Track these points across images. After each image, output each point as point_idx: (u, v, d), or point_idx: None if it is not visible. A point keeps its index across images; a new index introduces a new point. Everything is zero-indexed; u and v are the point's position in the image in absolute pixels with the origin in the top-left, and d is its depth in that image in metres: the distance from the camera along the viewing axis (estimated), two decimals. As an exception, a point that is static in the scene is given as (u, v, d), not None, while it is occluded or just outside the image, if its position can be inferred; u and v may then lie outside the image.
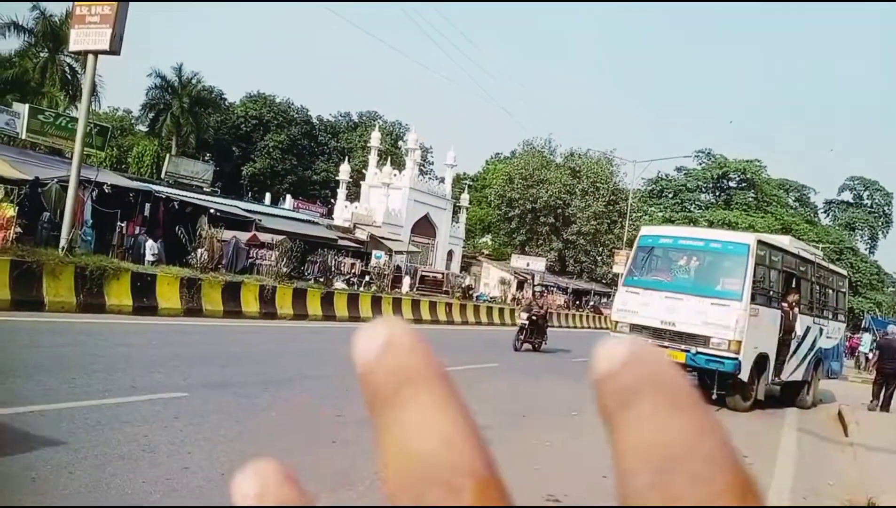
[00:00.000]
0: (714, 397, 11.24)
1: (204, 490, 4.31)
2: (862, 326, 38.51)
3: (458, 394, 0.26)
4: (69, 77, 38.85)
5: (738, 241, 11.75)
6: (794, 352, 13.02)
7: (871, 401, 14.37)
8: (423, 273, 36.42)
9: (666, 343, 11.28)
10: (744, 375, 11.05)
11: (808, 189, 67.48)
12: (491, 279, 48.01)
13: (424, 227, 45.17)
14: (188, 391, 6.99)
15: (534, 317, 17.25)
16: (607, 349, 0.25)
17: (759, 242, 11.76)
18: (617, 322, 12.16)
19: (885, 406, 14.20)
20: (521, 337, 17.15)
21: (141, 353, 9.32)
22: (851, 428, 11.04)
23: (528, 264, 51.39)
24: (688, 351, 11.06)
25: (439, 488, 0.24)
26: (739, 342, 10.77)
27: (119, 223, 21.33)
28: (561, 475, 5.99)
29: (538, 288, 26.26)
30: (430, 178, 51.95)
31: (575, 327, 37.16)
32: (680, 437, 0.23)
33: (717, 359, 10.87)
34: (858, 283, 57.68)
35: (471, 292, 36.64)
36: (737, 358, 10.75)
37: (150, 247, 19.94)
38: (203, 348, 10.78)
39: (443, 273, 39.00)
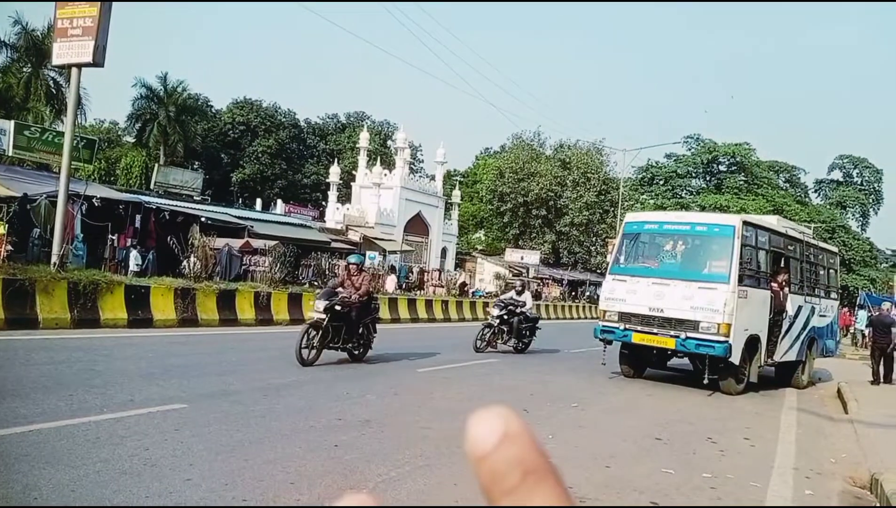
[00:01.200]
0: (706, 381, 11.18)
1: (207, 501, 4.29)
2: (857, 303, 38.65)
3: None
4: (54, 91, 38.66)
5: (724, 223, 11.72)
6: (787, 332, 12.97)
7: (873, 380, 14.56)
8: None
9: (655, 330, 11.28)
10: (735, 358, 10.97)
11: (799, 170, 67.61)
12: (486, 275, 48.02)
13: (417, 225, 45.14)
14: (187, 402, 6.96)
15: (511, 308, 14.74)
16: (478, 429, 0.27)
17: (745, 222, 11.70)
18: (605, 311, 12.07)
19: (888, 378, 14.53)
20: (487, 336, 14.62)
21: (138, 366, 9.27)
22: (851, 406, 11.08)
23: (522, 258, 51.41)
24: (677, 337, 11.00)
25: None
26: (729, 325, 10.70)
27: (110, 236, 21.25)
28: (564, 466, 5.98)
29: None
30: (420, 176, 51.91)
31: (572, 318, 37.23)
32: None
33: (708, 343, 10.80)
34: (852, 260, 57.88)
35: (466, 289, 36.62)
36: (727, 341, 10.69)
37: (134, 257, 19.89)
38: (200, 357, 10.74)
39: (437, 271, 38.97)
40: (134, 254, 20.13)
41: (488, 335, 14.51)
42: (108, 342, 11.14)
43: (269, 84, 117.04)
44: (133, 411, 6.39)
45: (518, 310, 14.84)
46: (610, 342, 12.16)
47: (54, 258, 13.69)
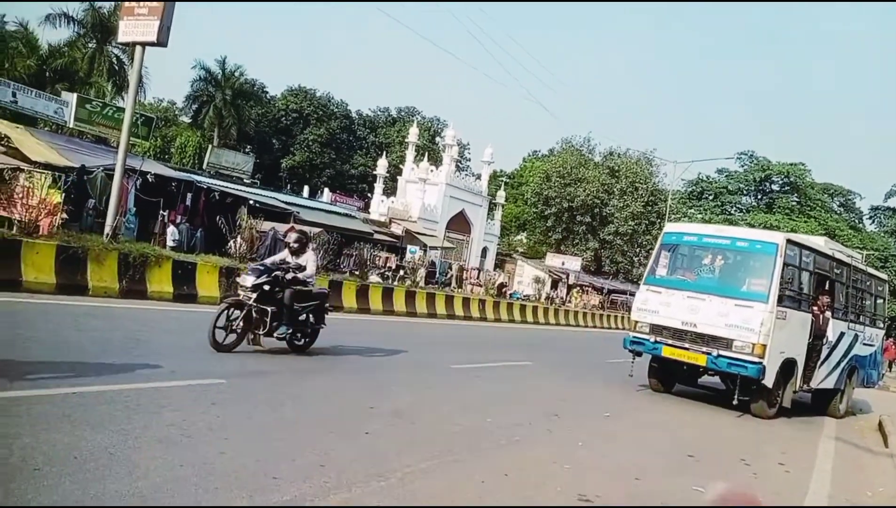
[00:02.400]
0: (735, 402, 10.79)
1: (240, 476, 4.37)
2: (906, 335, 37.37)
3: None
4: (116, 68, 39.74)
5: (767, 240, 11.21)
6: (826, 358, 12.48)
7: None
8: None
9: (686, 345, 10.94)
10: (768, 380, 10.54)
11: (854, 194, 65.65)
12: (525, 277, 47.82)
13: (460, 223, 45.19)
14: (225, 378, 7.10)
15: (280, 275, 9.15)
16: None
17: (789, 241, 11.21)
18: (637, 322, 11.77)
19: None
20: (237, 324, 8.87)
21: (180, 340, 9.49)
22: (892, 440, 10.72)
23: (563, 263, 51.09)
24: (709, 354, 10.64)
25: None
26: (764, 346, 10.31)
27: (161, 212, 21.77)
28: (593, 475, 5.93)
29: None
30: (466, 174, 52.01)
31: (609, 327, 36.83)
32: None
33: (740, 363, 10.41)
34: (904, 292, 55.93)
35: (504, 290, 36.52)
36: (761, 363, 10.30)
37: (171, 233, 20.29)
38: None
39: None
40: (171, 229, 20.54)
41: (238, 320, 8.87)
42: (154, 314, 11.42)
43: (323, 74, 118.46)
44: (173, 382, 6.55)
45: (290, 276, 9.31)
46: (639, 354, 11.83)
47: (107, 229, 14.10)
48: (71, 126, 25.51)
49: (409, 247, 34.44)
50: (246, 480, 4.34)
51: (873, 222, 68.15)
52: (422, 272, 27.68)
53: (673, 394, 12.37)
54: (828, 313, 12.34)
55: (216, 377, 7.06)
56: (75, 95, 26.36)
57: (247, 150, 52.95)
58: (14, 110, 24.33)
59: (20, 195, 12.72)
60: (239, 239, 17.83)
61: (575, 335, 27.33)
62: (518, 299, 34.62)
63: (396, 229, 38.34)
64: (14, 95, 23.92)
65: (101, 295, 11.82)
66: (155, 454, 4.52)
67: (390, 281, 24.90)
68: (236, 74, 52.25)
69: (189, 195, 23.70)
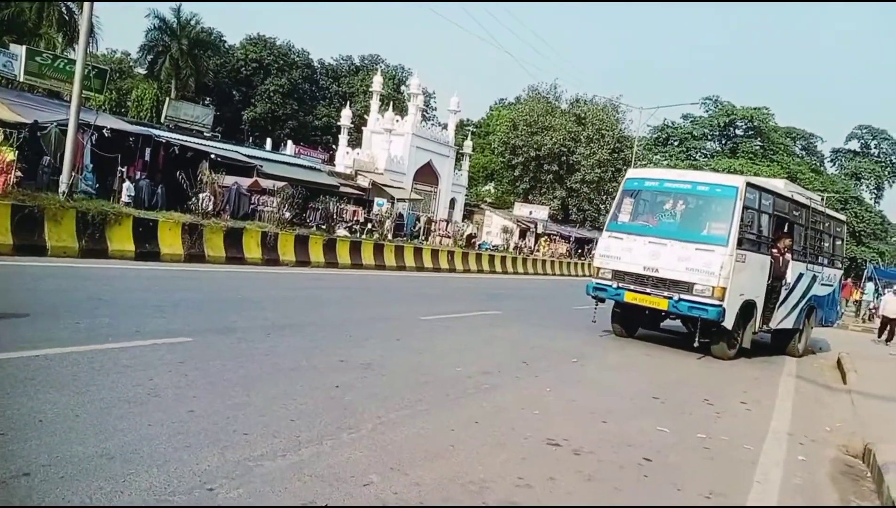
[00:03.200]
0: (696, 344, 11.05)
1: (209, 433, 4.36)
2: (865, 275, 38.52)
3: None
4: (66, 18, 38.08)
5: (726, 183, 11.30)
6: (785, 299, 12.76)
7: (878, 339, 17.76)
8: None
9: (648, 290, 11.08)
10: (728, 322, 10.76)
11: (816, 138, 66.77)
12: (493, 228, 47.97)
13: (427, 174, 44.88)
14: (192, 336, 7.03)
15: None
16: None
17: (749, 184, 11.31)
18: (599, 268, 11.87)
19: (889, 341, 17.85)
20: None
21: (144, 298, 9.36)
22: (850, 377, 11.12)
23: (530, 213, 51.28)
24: (670, 298, 10.81)
25: None
26: (724, 289, 10.48)
27: (119, 168, 21.19)
28: (561, 420, 6.05)
29: None
30: (433, 124, 51.49)
31: (577, 275, 37.30)
32: None
33: (701, 306, 10.58)
34: (862, 233, 57.59)
35: (473, 241, 36.62)
36: (720, 305, 10.48)
37: (127, 188, 19.82)
38: (206, 293, 10.83)
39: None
40: (127, 185, 20.03)
41: None
42: (115, 272, 11.22)
43: (283, 21, 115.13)
44: (138, 342, 6.46)
45: None
46: (602, 300, 11.99)
47: (63, 187, 13.72)
48: (21, 80, 24.48)
49: (376, 200, 34.17)
50: (216, 436, 4.33)
51: (834, 164, 69.58)
52: (388, 225, 27.54)
53: (636, 338, 12.61)
54: (788, 256, 12.58)
55: (182, 336, 6.99)
56: (24, 47, 25.18)
57: (206, 102, 51.62)
58: (-42, 65, 23.28)
59: (-30, 154, 12.26)
60: (203, 195, 17.50)
61: (543, 284, 27.62)
62: (487, 249, 34.79)
63: (363, 181, 37.95)
64: (-42, 47, 22.85)
65: (60, 255, 11.57)
66: (122, 414, 4.48)
67: (358, 235, 24.78)
68: (192, 22, 50.54)
69: (148, 150, 23.06)
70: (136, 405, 4.71)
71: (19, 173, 14.37)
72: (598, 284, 11.82)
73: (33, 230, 11.48)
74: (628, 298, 11.38)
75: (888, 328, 20.21)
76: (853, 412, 8.44)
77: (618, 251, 11.59)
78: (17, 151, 14.44)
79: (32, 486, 3.31)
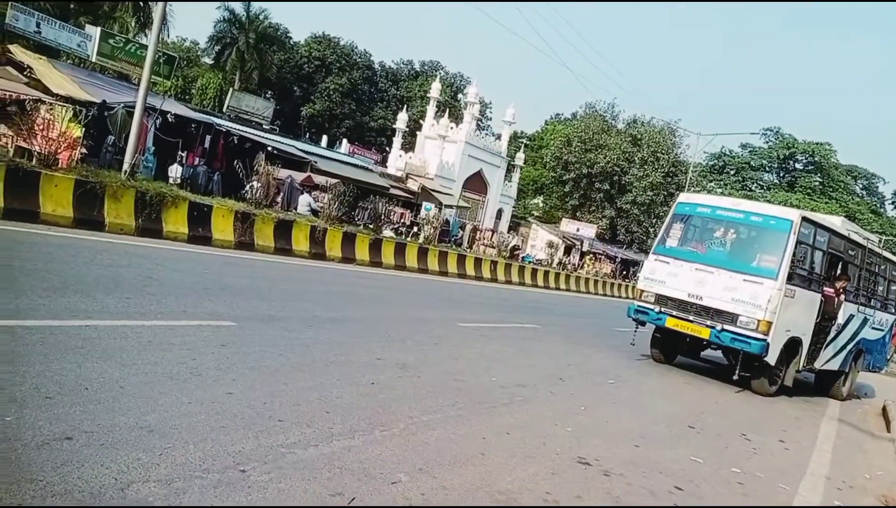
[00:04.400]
0: (736, 377, 10.75)
1: (246, 416, 4.44)
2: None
3: None
4: (140, 4, 39.29)
5: (781, 216, 10.99)
6: (833, 340, 12.40)
7: None
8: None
9: (691, 317, 10.86)
10: (771, 358, 10.47)
11: (878, 178, 64.74)
12: (538, 242, 47.72)
13: (476, 183, 44.94)
14: (236, 321, 7.17)
15: None
16: None
17: (805, 219, 11.02)
18: (642, 291, 11.66)
19: None
20: None
21: (193, 280, 9.59)
22: (895, 425, 10.73)
23: (578, 230, 50.89)
24: (713, 327, 10.57)
25: None
26: (769, 323, 10.20)
27: (180, 153, 21.76)
28: (593, 439, 5.98)
29: None
30: (486, 133, 51.46)
31: (620, 296, 36.82)
32: None
33: (744, 338, 10.32)
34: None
35: (517, 253, 36.48)
36: (765, 339, 10.21)
37: (173, 170, 20.24)
38: (253, 281, 11.03)
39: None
40: (174, 167, 20.47)
41: None
42: (168, 253, 11.51)
43: (348, 22, 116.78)
44: (184, 321, 6.63)
45: None
46: (643, 324, 11.77)
47: (125, 166, 14.14)
48: (93, 60, 25.37)
49: (424, 204, 34.35)
50: (252, 420, 4.41)
51: (895, 207, 67.27)
52: (431, 229, 27.52)
53: (674, 365, 12.40)
54: (842, 297, 12.23)
55: (227, 320, 7.14)
56: (99, 29, 26.10)
57: (267, 95, 52.65)
58: (37, 41, 24.20)
59: (41, 127, 12.73)
60: (256, 184, 17.84)
61: (585, 302, 27.35)
62: (530, 262, 34.60)
63: (413, 184, 38.17)
64: (38, 25, 23.75)
65: (116, 232, 11.92)
66: (164, 389, 4.60)
67: (404, 237, 24.92)
68: (260, 17, 51.71)
69: (208, 138, 23.66)
70: (179, 382, 4.83)
71: (84, 150, 14.88)
72: (640, 306, 11.64)
73: (93, 206, 11.85)
74: (670, 324, 11.16)
75: None
76: (895, 460, 8.14)
77: (663, 275, 11.41)
78: (83, 128, 14.97)
79: (73, 450, 3.42)
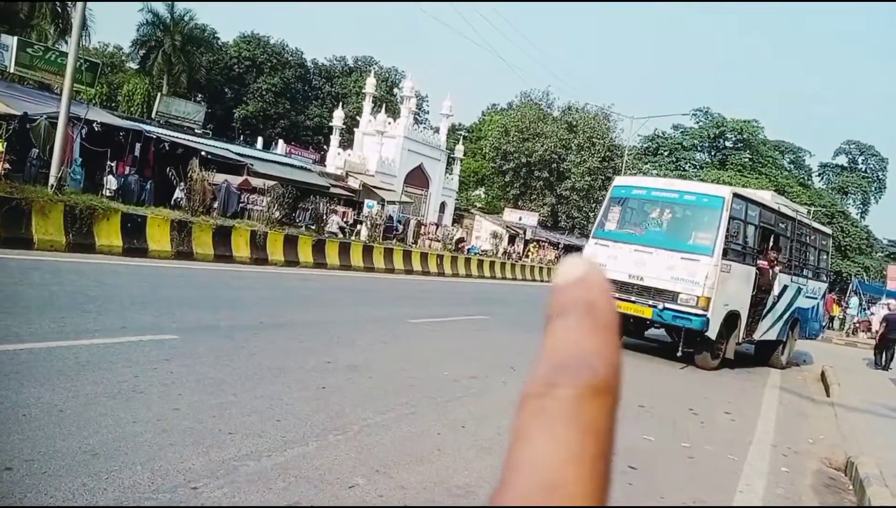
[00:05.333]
0: (679, 354, 11.03)
1: (194, 432, 4.34)
2: (850, 289, 38.86)
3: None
4: (59, 10, 37.80)
5: (713, 193, 11.31)
6: (769, 311, 12.78)
7: (876, 365, 16.89)
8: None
9: (633, 298, 11.05)
10: (711, 332, 10.77)
11: (804, 152, 67.30)
12: (483, 232, 47.98)
13: (418, 177, 44.86)
14: (178, 334, 6.99)
15: None
16: (568, 267, 0.32)
17: (736, 195, 11.33)
18: None
19: (887, 366, 16.63)
20: None
21: (131, 294, 9.30)
22: (834, 389, 11.21)
23: (520, 219, 51.38)
24: (655, 307, 10.80)
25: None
26: (708, 299, 10.48)
27: (109, 163, 21.05)
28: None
29: None
30: (425, 127, 51.42)
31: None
32: (587, 346, 0.29)
33: (685, 315, 10.59)
34: (848, 247, 58.08)
35: (462, 245, 36.62)
36: (705, 315, 10.48)
37: (108, 182, 19.69)
38: (193, 291, 10.77)
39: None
40: (109, 178, 19.90)
41: None
42: (103, 268, 11.13)
43: (276, 20, 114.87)
44: (124, 338, 6.42)
45: None
46: None
47: (52, 180, 13.59)
48: (11, 71, 24.27)
49: (366, 201, 34.09)
50: (201, 435, 4.31)
51: (822, 179, 70.14)
52: (376, 226, 27.39)
53: (624, 348, 12.63)
54: (776, 268, 12.66)
55: (168, 333, 6.95)
56: (15, 38, 24.95)
57: (198, 99, 51.36)
58: (-52, 54, 23.06)
59: (-42, 144, 12.14)
60: (179, 192, 17.38)
61: (531, 289, 27.65)
62: (476, 253, 34.79)
63: (353, 182, 37.85)
64: (-53, 36, 22.64)
65: (47, 249, 11.46)
66: (107, 410, 4.45)
67: (348, 236, 24.72)
68: (186, 18, 50.32)
69: (138, 145, 22.91)
70: (121, 401, 4.68)
71: (7, 165, 14.26)
72: None
73: (20, 223, 11.36)
74: None
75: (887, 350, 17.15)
76: (836, 424, 8.51)
77: (603, 259, 11.43)
78: (5, 143, 14.33)
79: (15, 481, 3.28)
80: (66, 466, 3.54)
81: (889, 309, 18.26)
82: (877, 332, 18.94)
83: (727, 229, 10.82)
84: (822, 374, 13.08)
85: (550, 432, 0.28)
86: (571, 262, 0.32)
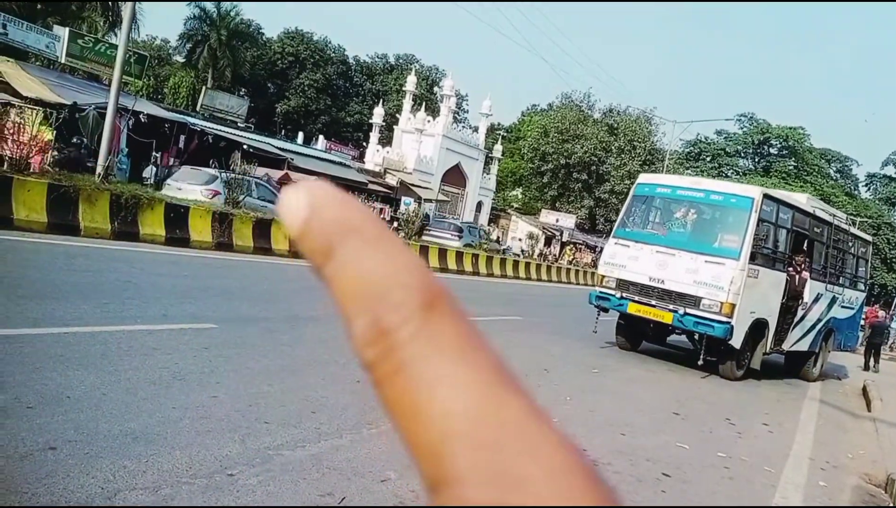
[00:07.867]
0: (701, 362, 10.52)
1: (231, 419, 4.41)
2: (895, 303, 37.79)
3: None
4: (110, 3, 38.71)
5: (741, 194, 10.60)
6: (801, 320, 12.12)
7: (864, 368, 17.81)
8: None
9: (653, 302, 10.54)
10: (735, 341, 10.14)
11: (851, 161, 65.70)
12: (519, 233, 47.84)
13: (455, 176, 44.92)
14: (217, 323, 7.11)
15: None
16: (288, 203, 0.26)
17: (766, 196, 10.64)
18: (603, 276, 11.32)
19: (875, 368, 18.10)
20: None
21: (173, 283, 9.48)
22: (875, 404, 10.93)
23: (557, 220, 51.09)
24: (675, 311, 10.25)
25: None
26: (733, 305, 9.89)
27: (154, 153, 21.51)
28: (579, 429, 6.02)
29: None
30: (463, 126, 51.46)
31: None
32: (383, 270, 0.25)
33: (707, 322, 10.01)
34: (894, 260, 56.54)
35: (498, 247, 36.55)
36: (728, 322, 9.88)
37: (148, 171, 20.08)
38: (233, 282, 10.94)
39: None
40: (149, 169, 20.26)
41: None
42: (146, 256, 11.38)
43: (320, 17, 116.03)
44: (165, 325, 6.55)
45: None
46: (605, 310, 11.43)
47: (99, 169, 13.93)
48: (62, 62, 24.95)
49: (403, 199, 34.29)
50: (238, 424, 4.38)
51: (869, 189, 68.37)
52: (416, 223, 27.46)
53: (654, 352, 12.36)
54: (805, 274, 11.91)
55: (208, 322, 7.07)
56: (67, 29, 25.65)
57: (241, 93, 52.11)
58: (4, 43, 23.76)
59: (11, 131, 12.50)
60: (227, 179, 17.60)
61: (566, 292, 27.47)
62: (511, 254, 34.70)
63: (391, 180, 38.09)
64: (4, 27, 23.30)
65: (92, 236, 11.75)
66: (147, 395, 4.55)
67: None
68: (232, 13, 51.13)
69: (182, 137, 23.41)
70: (162, 387, 4.78)
71: (55, 153, 14.66)
72: (601, 292, 11.29)
73: (67, 210, 11.67)
74: (632, 309, 10.81)
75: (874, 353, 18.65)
76: (877, 440, 8.29)
77: (624, 260, 11.07)
78: (55, 132, 14.74)
79: (58, 460, 3.38)
80: (108, 448, 3.62)
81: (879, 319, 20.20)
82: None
83: (756, 232, 10.20)
84: (864, 388, 12.75)
85: (429, 377, 0.24)
86: (290, 195, 0.26)
